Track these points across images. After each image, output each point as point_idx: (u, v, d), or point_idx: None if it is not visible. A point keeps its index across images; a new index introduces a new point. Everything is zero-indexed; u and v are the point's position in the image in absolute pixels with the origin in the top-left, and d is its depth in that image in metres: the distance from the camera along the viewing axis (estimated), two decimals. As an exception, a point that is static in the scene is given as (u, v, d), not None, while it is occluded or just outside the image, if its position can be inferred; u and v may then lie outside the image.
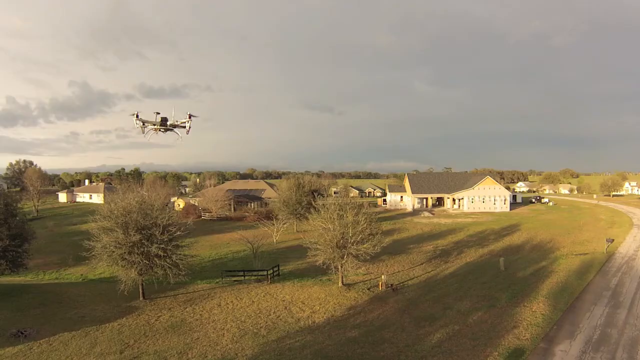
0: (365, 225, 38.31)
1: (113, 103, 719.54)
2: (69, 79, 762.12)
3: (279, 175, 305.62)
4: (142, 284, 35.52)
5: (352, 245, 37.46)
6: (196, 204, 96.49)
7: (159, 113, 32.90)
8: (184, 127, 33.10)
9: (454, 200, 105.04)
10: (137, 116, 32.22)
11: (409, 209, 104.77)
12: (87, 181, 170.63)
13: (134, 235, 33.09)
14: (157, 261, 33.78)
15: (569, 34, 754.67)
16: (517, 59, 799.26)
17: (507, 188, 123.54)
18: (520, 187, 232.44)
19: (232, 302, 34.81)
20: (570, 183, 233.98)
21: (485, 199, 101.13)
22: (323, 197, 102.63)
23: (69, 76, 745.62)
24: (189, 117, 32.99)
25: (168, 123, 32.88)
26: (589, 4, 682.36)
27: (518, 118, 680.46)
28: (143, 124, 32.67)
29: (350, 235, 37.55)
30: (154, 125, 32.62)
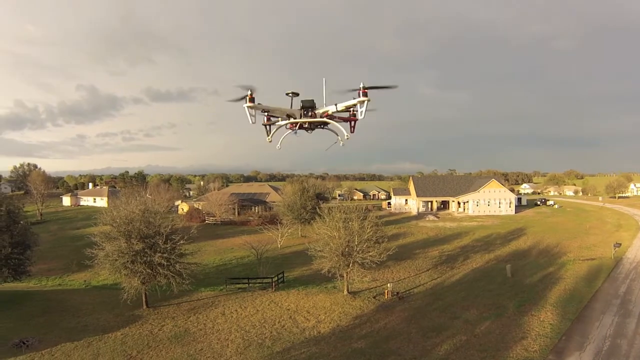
0: (371, 233, 37.90)
1: (121, 106, 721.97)
2: (77, 83, 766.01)
3: (283, 178, 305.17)
4: (145, 293, 35.23)
5: (358, 253, 37.05)
6: (200, 208, 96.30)
7: (296, 94, 17.94)
8: (346, 115, 18.12)
9: (459, 203, 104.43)
10: (252, 99, 16.89)
11: (414, 212, 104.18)
12: (91, 184, 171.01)
13: (137, 244, 32.79)
14: (161, 270, 33.44)
15: (570, 36, 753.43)
16: (521, 62, 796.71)
17: (512, 190, 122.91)
18: (525, 188, 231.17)
19: (236, 310, 34.50)
20: (575, 184, 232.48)
21: (491, 202, 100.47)
22: (327, 200, 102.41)
23: (77, 80, 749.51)
24: (363, 92, 16.41)
25: (320, 111, 17.97)
26: (589, 7, 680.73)
27: (522, 119, 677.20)
28: (252, 111, 17.22)
29: (356, 243, 37.12)
30: (290, 117, 18.19)
